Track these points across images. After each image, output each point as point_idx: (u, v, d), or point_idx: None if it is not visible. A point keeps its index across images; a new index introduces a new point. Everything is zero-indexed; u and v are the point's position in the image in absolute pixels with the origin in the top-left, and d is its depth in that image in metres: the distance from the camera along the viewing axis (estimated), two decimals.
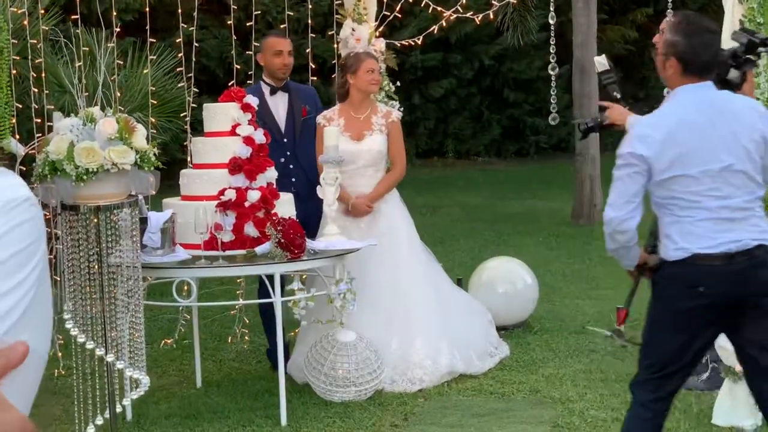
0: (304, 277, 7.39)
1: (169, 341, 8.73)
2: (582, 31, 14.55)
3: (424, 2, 8.33)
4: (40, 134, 7.74)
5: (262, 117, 7.66)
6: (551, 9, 6.29)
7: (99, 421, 5.74)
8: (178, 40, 8.83)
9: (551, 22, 6.33)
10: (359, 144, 7.65)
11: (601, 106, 6.66)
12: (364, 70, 7.69)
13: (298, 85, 8.19)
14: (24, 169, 8.10)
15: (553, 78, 6.66)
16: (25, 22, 8.32)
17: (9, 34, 5.23)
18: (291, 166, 7.80)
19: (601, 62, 6.94)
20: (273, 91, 7.93)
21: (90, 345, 5.63)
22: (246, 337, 8.88)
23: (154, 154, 5.64)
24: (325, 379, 7.11)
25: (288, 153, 7.81)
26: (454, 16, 8.34)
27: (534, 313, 9.15)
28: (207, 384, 7.72)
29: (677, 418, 6.34)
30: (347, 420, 6.76)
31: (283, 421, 6.72)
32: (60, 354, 8.06)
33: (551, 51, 6.40)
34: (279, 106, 7.93)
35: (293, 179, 7.78)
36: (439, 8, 8.41)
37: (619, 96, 6.85)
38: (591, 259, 11.87)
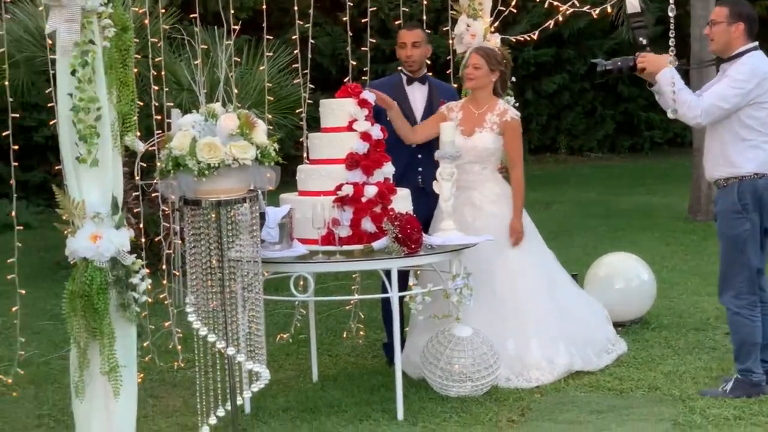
0: (418, 272, 7.42)
1: (285, 336, 8.82)
2: (700, 24, 14.29)
3: None
4: (159, 131, 7.89)
5: (400, 103, 7.81)
6: (671, 2, 6.19)
7: (220, 412, 5.83)
8: (293, 37, 8.90)
9: (671, 14, 6.23)
10: (469, 139, 7.62)
11: (638, 45, 6.62)
12: (468, 63, 7.72)
13: (439, 82, 8.25)
14: (144, 165, 8.27)
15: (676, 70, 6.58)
16: (146, 22, 8.50)
17: (133, 33, 5.33)
18: (419, 156, 7.84)
19: (633, 4, 6.83)
20: (409, 81, 8.02)
21: (211, 338, 5.72)
22: (361, 332, 8.94)
23: (275, 150, 5.70)
24: (442, 374, 7.13)
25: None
26: (571, 10, 8.27)
27: (651, 309, 9.07)
28: (323, 378, 7.79)
29: None
30: (464, 415, 6.76)
31: (400, 415, 6.75)
32: (179, 347, 8.22)
33: (670, 44, 6.30)
34: (416, 96, 8.00)
35: (420, 169, 7.83)
36: (555, 3, 8.35)
37: (645, 42, 6.76)
38: (709, 255, 11.69)
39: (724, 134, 6.78)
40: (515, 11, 8.65)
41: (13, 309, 8.16)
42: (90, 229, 5.13)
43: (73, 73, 5.04)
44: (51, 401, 7.43)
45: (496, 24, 8.58)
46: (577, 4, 8.16)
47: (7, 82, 8.20)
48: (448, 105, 7.79)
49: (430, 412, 6.84)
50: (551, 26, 8.62)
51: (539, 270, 7.79)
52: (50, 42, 7.65)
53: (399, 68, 8.14)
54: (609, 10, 8.39)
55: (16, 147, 8.01)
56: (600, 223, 14.65)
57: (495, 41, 8.55)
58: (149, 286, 5.28)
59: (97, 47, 5.09)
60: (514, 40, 8.87)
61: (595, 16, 8.45)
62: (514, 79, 8.71)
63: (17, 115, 8.31)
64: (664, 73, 6.65)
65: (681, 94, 6.62)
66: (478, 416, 6.73)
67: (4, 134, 7.93)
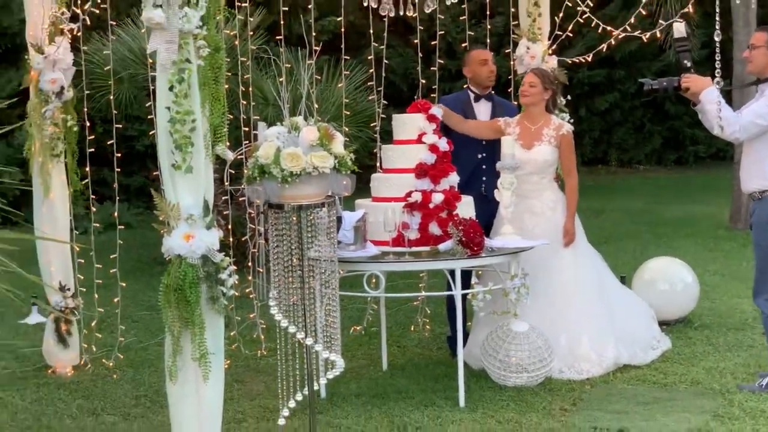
0: (479, 272, 7.40)
1: (358, 328, 8.83)
2: (742, 48, 14.09)
3: (594, 22, 8.21)
4: (246, 141, 7.93)
5: (467, 118, 7.88)
6: (717, 27, 6.12)
7: (299, 397, 5.84)
8: (369, 58, 8.91)
9: (717, 39, 6.15)
10: (528, 152, 7.59)
11: (683, 67, 6.53)
12: (524, 82, 7.69)
13: (502, 99, 8.23)
14: (233, 172, 8.33)
15: (719, 91, 6.50)
16: (236, 43, 8.55)
17: (224, 53, 5.35)
18: (483, 167, 7.83)
19: (679, 29, 6.74)
20: (477, 99, 8.01)
21: (292, 329, 5.73)
22: (427, 326, 8.93)
23: (351, 159, 5.70)
24: (500, 365, 7.09)
25: (483, 154, 7.84)
26: (623, 35, 8.18)
27: (694, 309, 8.96)
28: (392, 367, 7.78)
29: None
30: (520, 403, 6.72)
31: (462, 402, 6.72)
32: (263, 337, 8.26)
33: (717, 66, 6.22)
34: (482, 112, 7.99)
35: (483, 178, 7.81)
36: (608, 28, 8.27)
37: (689, 65, 6.67)
38: (748, 261, 11.49)
39: (760, 149, 6.69)
40: (571, 35, 8.58)
41: (115, 300, 8.27)
42: (184, 229, 5.15)
43: (171, 88, 5.07)
44: (147, 383, 7.50)
45: (553, 47, 8.53)
46: (629, 30, 8.07)
47: (112, 97, 8.30)
48: (505, 120, 7.76)
49: (489, 400, 6.81)
50: (604, 50, 8.53)
51: (590, 271, 7.74)
52: (151, 60, 7.74)
53: (466, 86, 8.12)
54: (658, 34, 8.29)
55: (119, 154, 8.11)
56: (647, 230, 14.50)
57: (552, 63, 8.50)
58: (236, 282, 5.29)
59: (192, 65, 5.11)
60: (570, 62, 8.80)
61: (645, 40, 8.34)
62: (569, 97, 8.66)
63: (120, 126, 8.42)
64: (707, 93, 6.56)
65: (722, 111, 6.54)
66: (533, 405, 6.69)
67: (109, 143, 8.03)
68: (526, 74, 7.83)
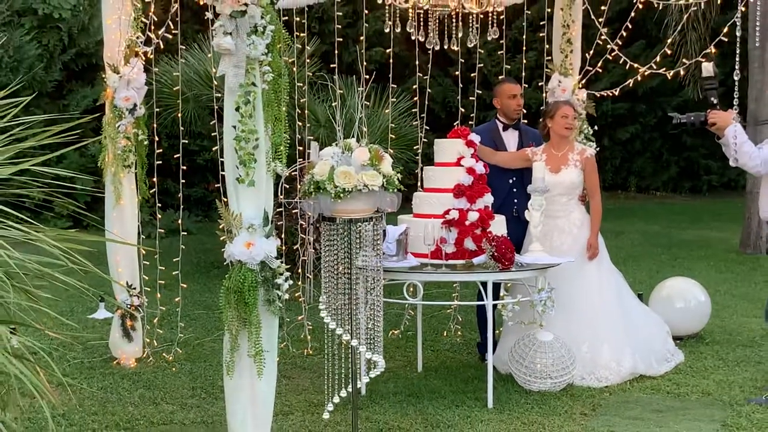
0: (508, 285, 7.42)
1: (396, 332, 8.86)
2: (757, 87, 14.08)
3: (622, 59, 8.22)
4: (301, 159, 7.99)
5: (497, 146, 7.90)
6: (736, 68, 6.12)
7: (343, 393, 5.87)
8: (414, 86, 8.97)
9: (736, 78, 6.16)
10: (556, 176, 7.61)
11: (710, 104, 6.56)
12: (559, 115, 7.68)
13: (527, 127, 8.22)
14: (287, 187, 8.39)
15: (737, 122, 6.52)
16: (294, 69, 8.62)
17: (287, 78, 5.41)
18: (515, 190, 7.85)
19: (708, 69, 6.73)
20: (505, 128, 8.02)
21: (339, 331, 5.77)
22: (459, 333, 8.94)
23: (398, 179, 5.74)
24: (526, 371, 7.09)
25: (514, 178, 7.86)
26: (649, 72, 8.18)
27: (706, 326, 8.91)
28: (426, 369, 7.79)
29: None
30: (543, 406, 6.72)
31: (490, 404, 6.73)
32: (309, 337, 8.30)
33: (734, 103, 6.22)
34: (510, 140, 8.00)
35: (515, 200, 7.82)
36: (635, 65, 8.27)
37: (716, 102, 6.67)
38: (757, 283, 11.46)
39: None
40: (601, 71, 8.60)
41: (176, 299, 8.35)
42: (245, 237, 5.21)
43: (237, 109, 5.14)
44: (203, 376, 7.55)
45: (583, 81, 8.54)
46: (654, 67, 8.07)
47: (179, 114, 8.40)
48: (532, 150, 7.79)
49: (515, 403, 6.81)
50: (630, 85, 8.54)
51: (611, 287, 7.73)
52: (216, 82, 7.84)
53: (496, 116, 8.12)
54: (681, 72, 8.28)
55: (185, 167, 8.20)
56: (663, 252, 14.42)
57: (582, 95, 8.52)
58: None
59: (257, 89, 5.18)
60: (598, 95, 8.80)
61: (669, 77, 8.34)
62: (596, 127, 8.67)
63: (186, 141, 8.51)
64: (731, 129, 6.57)
65: (744, 146, 6.54)
66: (556, 408, 6.68)
67: (175, 156, 8.11)
68: (559, 108, 7.74)
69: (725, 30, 7.39)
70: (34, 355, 4.02)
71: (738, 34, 6.23)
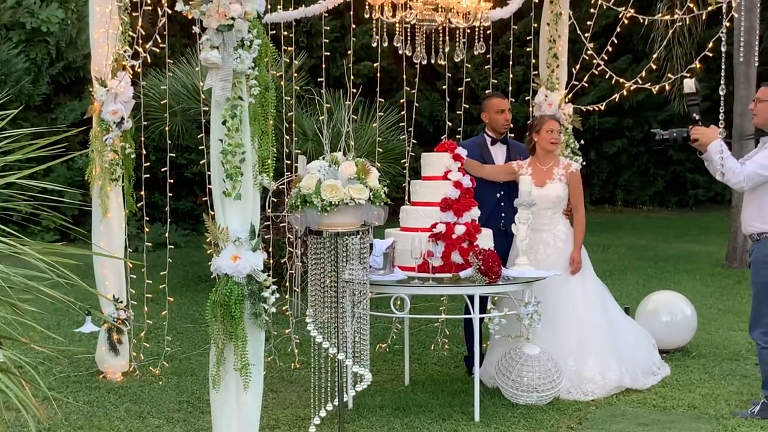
0: (495, 298, 7.43)
1: (383, 345, 8.85)
2: (742, 102, 14.15)
3: (608, 74, 8.25)
4: (288, 173, 7.99)
5: (484, 160, 7.91)
6: (722, 83, 6.16)
7: (329, 407, 5.87)
8: (401, 100, 8.99)
9: (722, 93, 6.19)
10: (541, 190, 7.62)
11: (692, 119, 6.60)
12: (545, 130, 7.70)
13: (514, 141, 8.22)
14: (275, 200, 8.39)
15: (720, 138, 6.54)
16: (281, 83, 8.64)
17: (274, 92, 5.42)
18: (502, 204, 7.85)
19: (690, 85, 6.77)
20: (493, 142, 8.03)
21: (325, 344, 5.77)
22: (446, 346, 8.94)
23: (385, 193, 5.75)
24: (512, 385, 7.10)
25: (502, 192, 7.86)
26: (635, 86, 8.22)
27: (692, 340, 8.93)
28: (414, 383, 7.78)
29: None
30: (530, 420, 6.72)
31: (477, 417, 6.72)
32: (296, 350, 8.29)
33: (720, 118, 6.25)
34: (498, 154, 8.01)
35: (503, 214, 7.83)
36: (621, 80, 8.31)
37: (698, 117, 6.71)
38: (743, 297, 11.49)
39: (761, 195, 6.70)
40: (587, 85, 8.62)
41: (162, 313, 8.32)
42: (231, 250, 5.21)
43: (224, 122, 5.15)
44: (189, 390, 7.53)
45: (569, 95, 8.58)
46: (640, 82, 8.11)
47: (167, 128, 8.39)
48: (518, 163, 7.80)
49: (501, 416, 6.80)
50: (616, 99, 8.57)
51: (597, 300, 7.74)
52: (203, 96, 7.84)
53: (484, 130, 8.13)
54: (667, 87, 8.32)
55: (172, 180, 8.18)
56: (649, 265, 14.45)
57: (568, 110, 8.55)
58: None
59: (244, 102, 5.19)
60: (584, 109, 8.83)
61: (654, 92, 8.37)
62: (582, 141, 8.69)
63: (173, 155, 8.50)
64: (714, 144, 6.60)
65: (728, 162, 6.56)
66: (542, 422, 6.68)
67: (162, 170, 8.10)
68: (545, 122, 7.76)
69: (710, 45, 7.42)
70: (20, 369, 4.00)
71: (723, 49, 6.25)
